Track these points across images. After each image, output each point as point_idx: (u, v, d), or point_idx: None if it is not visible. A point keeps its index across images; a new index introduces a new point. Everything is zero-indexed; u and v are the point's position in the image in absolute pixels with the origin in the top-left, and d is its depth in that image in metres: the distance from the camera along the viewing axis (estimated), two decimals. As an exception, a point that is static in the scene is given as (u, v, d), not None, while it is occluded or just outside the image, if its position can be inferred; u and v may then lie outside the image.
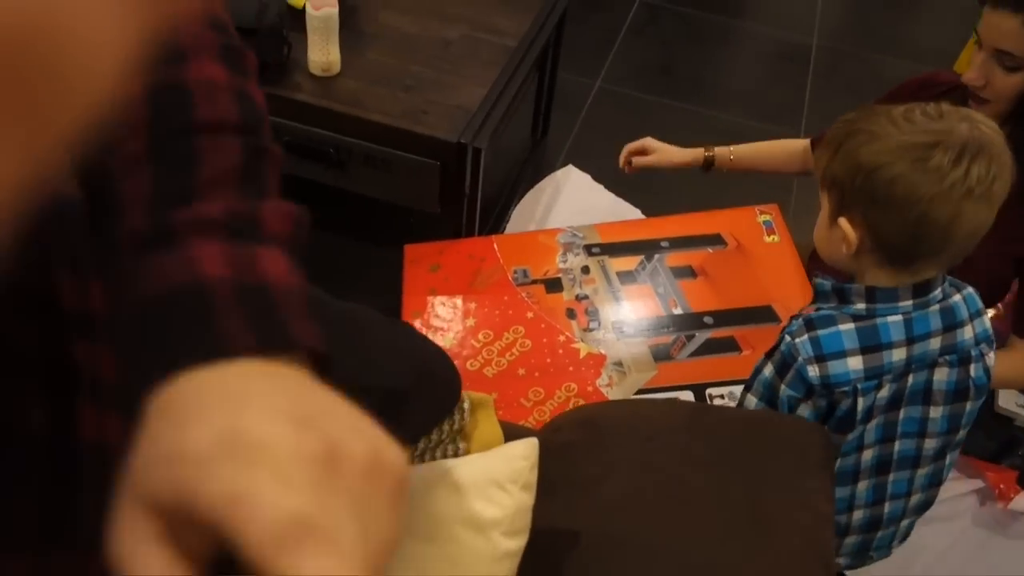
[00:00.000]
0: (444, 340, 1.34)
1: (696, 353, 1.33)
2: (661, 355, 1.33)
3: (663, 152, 1.56)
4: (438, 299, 1.40)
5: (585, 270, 1.46)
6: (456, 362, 1.28)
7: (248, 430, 0.29)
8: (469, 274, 1.45)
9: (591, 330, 1.36)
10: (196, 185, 0.41)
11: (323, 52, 1.66)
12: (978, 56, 1.16)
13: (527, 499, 0.76)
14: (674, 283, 1.43)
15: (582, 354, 1.33)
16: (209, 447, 0.28)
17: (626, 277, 1.45)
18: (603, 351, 1.33)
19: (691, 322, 1.38)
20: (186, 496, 0.28)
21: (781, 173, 1.57)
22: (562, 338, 1.35)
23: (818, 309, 0.97)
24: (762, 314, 1.39)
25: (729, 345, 1.34)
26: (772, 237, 1.52)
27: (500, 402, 1.27)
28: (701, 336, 1.35)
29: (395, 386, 0.79)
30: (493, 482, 0.78)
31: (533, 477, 0.78)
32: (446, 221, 1.73)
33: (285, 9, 1.68)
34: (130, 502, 0.29)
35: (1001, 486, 1.41)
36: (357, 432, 0.31)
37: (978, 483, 1.34)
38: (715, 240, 1.51)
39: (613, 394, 1.26)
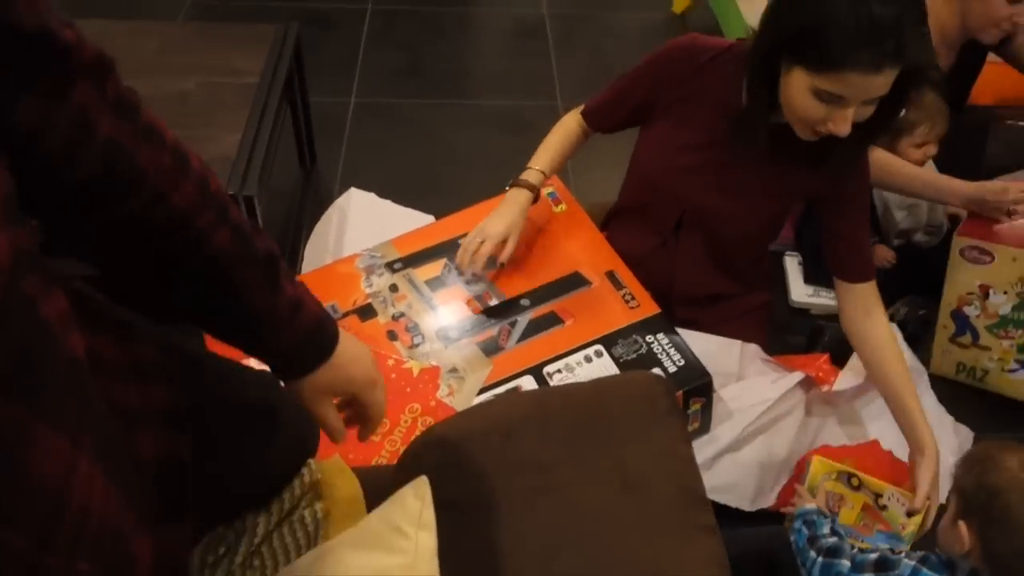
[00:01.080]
0: None
1: (523, 336, 1.35)
2: (491, 349, 1.33)
3: (501, 230, 1.39)
4: (251, 360, 1.33)
5: (393, 288, 1.43)
6: None
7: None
8: None
9: (416, 346, 1.34)
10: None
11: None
12: (844, 112, 1.13)
13: (427, 539, 0.74)
14: (483, 276, 1.44)
15: (415, 372, 1.31)
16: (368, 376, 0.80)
17: (435, 283, 1.44)
18: (435, 362, 1.32)
19: (510, 309, 1.39)
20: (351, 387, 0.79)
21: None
22: (391, 362, 1.32)
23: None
24: (572, 281, 1.43)
25: (552, 320, 1.37)
26: (560, 207, 1.57)
27: (349, 444, 1.22)
28: (523, 319, 1.37)
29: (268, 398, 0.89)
30: (394, 529, 0.75)
31: (429, 515, 0.76)
32: (237, 278, 1.64)
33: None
34: (321, 395, 0.77)
35: (819, 373, 1.54)
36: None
37: (797, 376, 1.45)
38: None
39: (456, 401, 1.25)
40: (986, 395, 1.79)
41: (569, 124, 1.55)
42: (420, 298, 1.42)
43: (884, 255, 1.93)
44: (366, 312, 1.40)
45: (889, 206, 1.93)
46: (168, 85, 1.79)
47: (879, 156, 1.65)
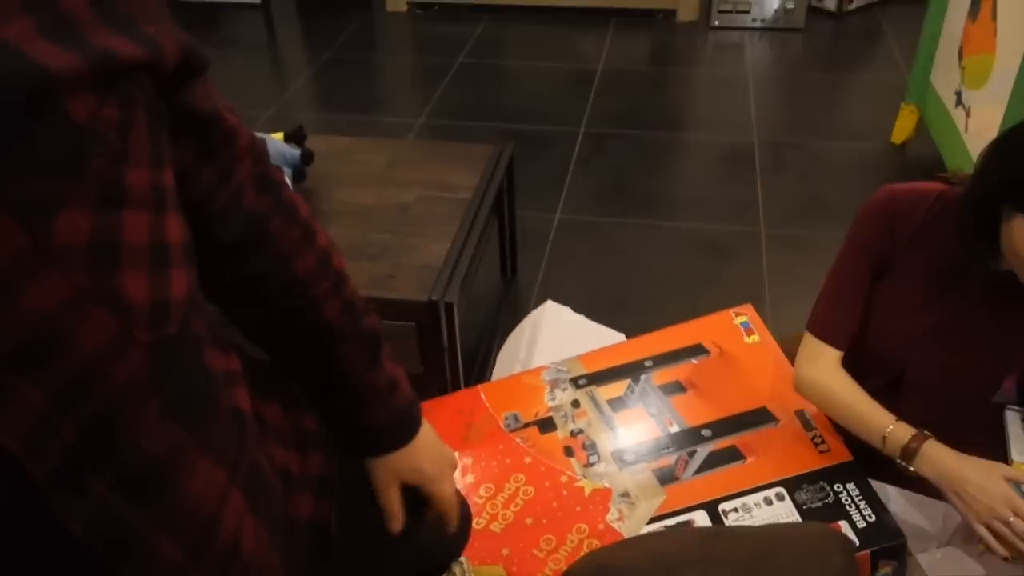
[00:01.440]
0: None
1: (701, 469, 1.31)
2: (666, 478, 1.30)
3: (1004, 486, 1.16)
4: None
5: (575, 404, 1.45)
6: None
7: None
8: (461, 429, 1.44)
9: (591, 465, 1.34)
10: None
11: (285, 238, 1.70)
12: None
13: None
14: (666, 401, 1.42)
15: (587, 491, 1.30)
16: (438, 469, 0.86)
17: (617, 404, 1.44)
18: (608, 484, 1.31)
19: (690, 438, 1.36)
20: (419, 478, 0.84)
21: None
22: (564, 478, 1.32)
23: None
24: (759, 417, 1.38)
25: (733, 455, 1.32)
26: (752, 338, 1.53)
27: (513, 557, 1.23)
28: (703, 451, 1.33)
29: None
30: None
31: None
32: (430, 379, 1.73)
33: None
34: (392, 478, 0.83)
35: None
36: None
37: (1015, 550, 1.29)
38: (697, 350, 1.51)
39: (625, 528, 1.23)
40: None
41: (839, 373, 1.28)
42: (600, 417, 1.42)
43: None
44: (546, 425, 1.42)
45: None
46: (392, 196, 1.97)
47: None
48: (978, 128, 2.41)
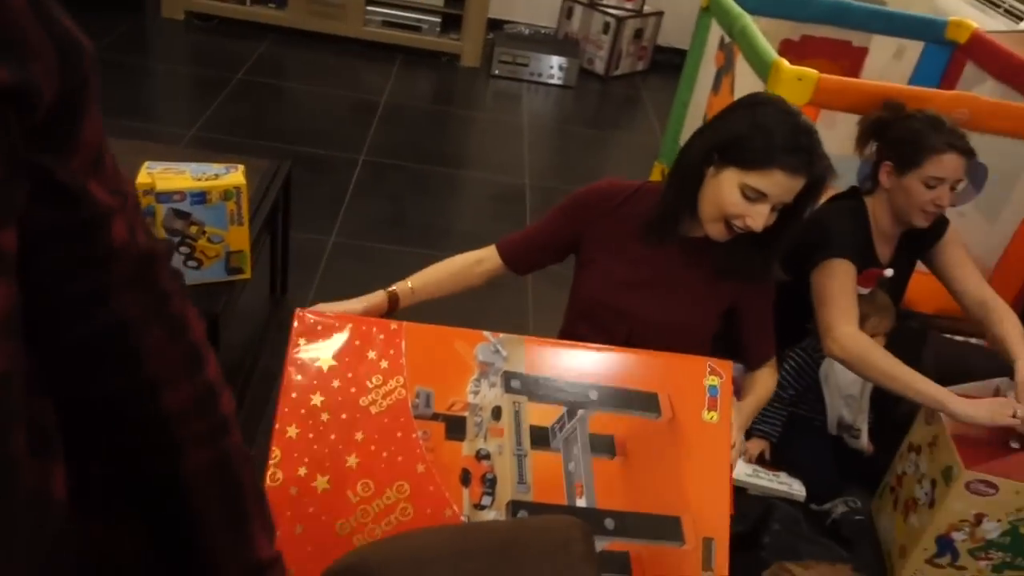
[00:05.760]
0: (319, 482, 1.17)
1: (588, 564, 1.17)
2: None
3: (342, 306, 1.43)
4: (323, 415, 1.21)
5: (496, 414, 1.25)
6: (323, 518, 1.15)
7: None
8: (364, 376, 1.23)
9: (483, 507, 1.19)
10: None
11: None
12: (762, 207, 1.32)
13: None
14: (588, 460, 1.25)
15: None
16: None
17: (539, 437, 1.25)
18: None
19: (590, 521, 1.16)
20: None
21: (471, 290, 1.57)
22: (448, 512, 1.18)
23: None
24: (667, 529, 1.24)
25: (621, 565, 1.20)
26: (711, 415, 1.31)
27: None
28: (598, 545, 1.14)
29: None
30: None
31: None
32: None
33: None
34: None
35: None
36: None
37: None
38: (649, 404, 1.30)
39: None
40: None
41: (471, 255, 1.59)
42: (515, 447, 1.25)
43: (754, 448, 1.93)
44: (455, 427, 1.23)
45: (831, 389, 1.95)
46: (156, 202, 1.87)
47: (865, 343, 1.66)
48: (715, 187, 2.73)
